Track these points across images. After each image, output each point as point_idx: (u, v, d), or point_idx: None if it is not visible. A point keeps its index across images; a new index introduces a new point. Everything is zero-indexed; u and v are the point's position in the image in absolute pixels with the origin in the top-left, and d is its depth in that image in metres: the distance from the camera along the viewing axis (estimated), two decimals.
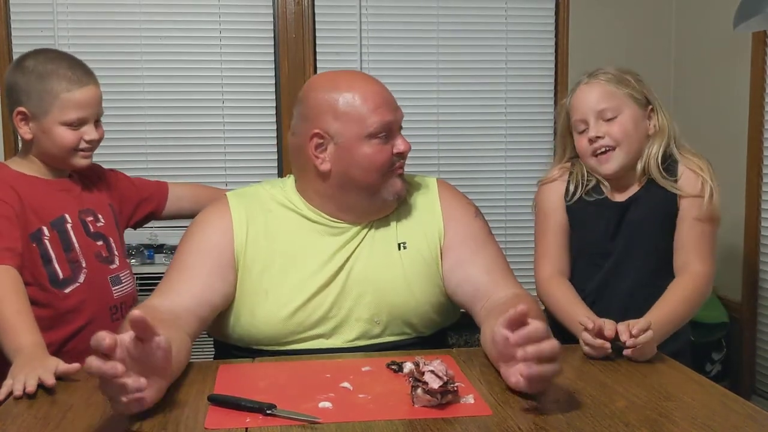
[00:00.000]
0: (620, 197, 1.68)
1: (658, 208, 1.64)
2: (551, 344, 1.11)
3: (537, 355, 1.11)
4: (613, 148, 1.63)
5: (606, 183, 1.69)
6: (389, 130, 1.49)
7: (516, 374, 1.15)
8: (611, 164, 1.64)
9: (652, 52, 3.01)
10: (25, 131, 1.63)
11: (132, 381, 1.06)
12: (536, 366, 1.11)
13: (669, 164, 1.65)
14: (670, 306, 1.56)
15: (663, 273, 1.64)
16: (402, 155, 1.52)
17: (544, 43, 3.04)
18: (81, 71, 1.64)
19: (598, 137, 1.63)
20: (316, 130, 1.48)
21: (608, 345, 1.37)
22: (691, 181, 1.63)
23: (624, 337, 1.35)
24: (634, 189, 1.67)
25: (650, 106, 1.66)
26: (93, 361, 1.03)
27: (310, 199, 1.55)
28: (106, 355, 1.03)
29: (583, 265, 1.71)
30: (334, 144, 1.48)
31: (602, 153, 1.64)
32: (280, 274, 1.50)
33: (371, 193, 1.51)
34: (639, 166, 1.66)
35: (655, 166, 1.64)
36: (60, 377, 1.27)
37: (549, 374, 1.13)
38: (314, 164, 1.50)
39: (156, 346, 1.11)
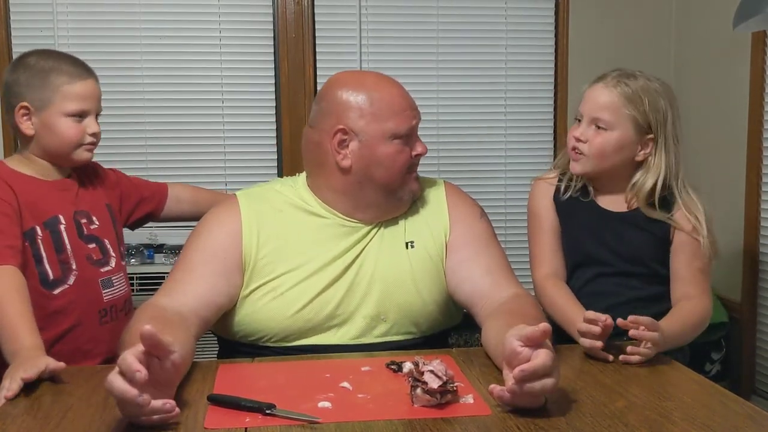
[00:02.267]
0: (611, 205, 1.69)
1: (651, 232, 1.66)
2: (547, 384, 1.10)
3: (526, 392, 1.09)
4: (585, 156, 1.66)
5: (590, 187, 1.71)
6: (411, 133, 1.52)
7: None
8: (578, 166, 1.68)
9: (652, 52, 3.01)
10: (27, 126, 1.63)
11: (160, 404, 1.06)
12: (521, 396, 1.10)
13: (666, 196, 1.65)
14: (680, 322, 1.56)
15: (645, 282, 1.67)
16: (419, 157, 1.55)
17: (544, 43, 3.03)
18: (81, 67, 1.67)
19: (579, 139, 1.66)
20: (341, 126, 1.49)
21: (596, 329, 1.38)
22: (685, 218, 1.64)
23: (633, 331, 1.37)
24: (625, 205, 1.68)
25: (650, 135, 1.65)
26: (118, 383, 1.03)
27: (323, 197, 1.56)
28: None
29: (573, 263, 1.72)
30: (357, 141, 1.50)
31: (576, 152, 1.67)
32: (289, 273, 1.50)
33: (388, 192, 1.53)
34: (627, 188, 1.67)
35: (644, 200, 1.65)
36: (50, 378, 1.28)
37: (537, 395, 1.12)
38: (335, 160, 1.51)
39: (170, 364, 1.12)
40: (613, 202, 1.70)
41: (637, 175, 1.66)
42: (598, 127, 1.64)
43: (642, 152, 1.65)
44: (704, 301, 1.62)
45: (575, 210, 1.71)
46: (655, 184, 1.63)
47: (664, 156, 1.64)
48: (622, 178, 1.68)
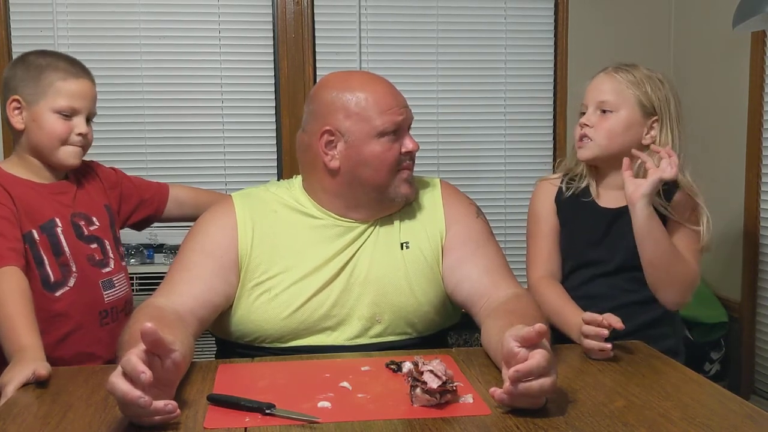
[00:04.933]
0: (611, 203, 1.69)
1: None
2: (545, 384, 1.09)
3: (524, 393, 1.09)
4: (593, 140, 1.67)
5: (593, 184, 1.71)
6: (398, 130, 1.51)
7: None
8: (585, 152, 1.69)
9: (651, 51, 3.01)
10: (17, 121, 1.63)
11: (162, 406, 1.06)
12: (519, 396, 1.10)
13: (668, 186, 1.65)
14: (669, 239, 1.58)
15: (641, 284, 1.65)
16: (410, 154, 1.54)
17: (544, 43, 3.04)
18: (79, 67, 1.68)
19: (586, 125, 1.67)
20: (327, 127, 1.50)
21: (605, 332, 1.38)
22: (682, 206, 1.65)
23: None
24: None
25: (655, 117, 1.66)
26: (121, 385, 1.03)
27: (317, 198, 1.56)
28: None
29: (571, 265, 1.72)
30: (344, 142, 1.50)
31: (583, 138, 1.68)
32: (283, 274, 1.50)
33: (379, 191, 1.53)
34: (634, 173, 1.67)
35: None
36: (45, 381, 1.28)
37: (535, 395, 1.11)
38: (323, 161, 1.51)
39: (171, 363, 1.12)
40: (615, 198, 1.69)
41: (644, 157, 1.66)
42: (604, 111, 1.66)
43: (648, 135, 1.66)
44: (695, 266, 1.62)
45: (576, 211, 1.71)
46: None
47: (670, 137, 1.65)
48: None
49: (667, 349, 1.54)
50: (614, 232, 1.68)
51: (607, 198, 1.71)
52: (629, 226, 1.66)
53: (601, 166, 1.71)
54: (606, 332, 1.38)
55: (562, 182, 1.74)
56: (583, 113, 1.70)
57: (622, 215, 1.67)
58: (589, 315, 1.41)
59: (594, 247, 1.69)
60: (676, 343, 1.71)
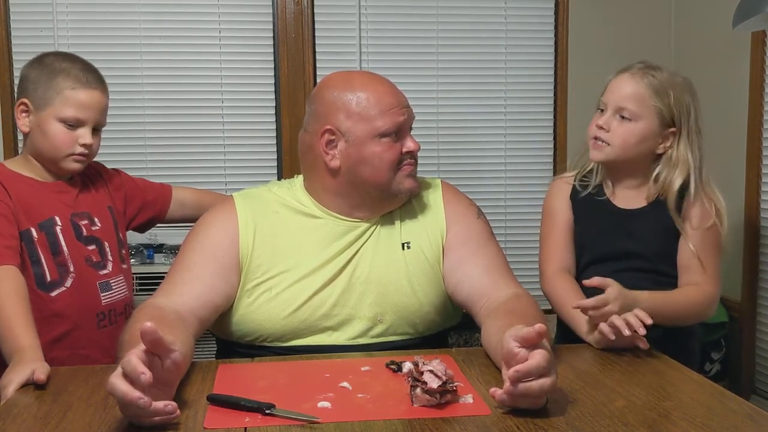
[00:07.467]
0: (625, 203, 1.69)
1: (664, 227, 1.65)
2: (545, 384, 1.09)
3: (524, 393, 1.09)
4: (608, 144, 1.65)
5: (608, 183, 1.70)
6: (399, 130, 1.51)
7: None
8: (598, 154, 1.67)
9: (651, 52, 3.00)
10: (23, 123, 1.63)
11: (161, 406, 1.06)
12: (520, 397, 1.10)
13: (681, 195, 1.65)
14: (669, 298, 1.57)
15: (656, 283, 1.65)
16: (411, 154, 1.54)
17: (544, 43, 3.03)
18: (92, 76, 1.65)
19: (602, 127, 1.65)
20: (328, 127, 1.50)
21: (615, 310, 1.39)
22: (698, 214, 1.64)
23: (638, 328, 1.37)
24: (641, 202, 1.68)
25: (672, 129, 1.65)
26: (120, 385, 1.03)
27: (319, 198, 1.56)
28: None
29: (586, 260, 1.72)
30: (344, 141, 1.50)
31: (598, 140, 1.66)
32: (284, 273, 1.50)
33: (380, 189, 1.53)
34: (650, 186, 1.66)
35: (674, 197, 1.64)
36: (44, 382, 1.27)
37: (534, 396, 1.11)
38: (324, 161, 1.51)
39: (171, 363, 1.12)
40: (629, 199, 1.69)
41: (660, 168, 1.65)
42: (623, 117, 1.64)
43: (662, 145, 1.65)
44: (707, 288, 1.61)
45: (590, 208, 1.71)
46: (682, 179, 1.64)
47: (690, 150, 1.64)
48: (640, 171, 1.68)
49: (683, 350, 1.54)
50: (629, 232, 1.67)
51: (622, 198, 1.70)
52: (644, 227, 1.65)
53: (615, 168, 1.70)
54: (643, 330, 1.37)
55: (575, 180, 1.74)
56: (601, 110, 1.68)
57: (636, 216, 1.66)
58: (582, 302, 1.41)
59: (609, 244, 1.68)
60: (690, 343, 1.70)
